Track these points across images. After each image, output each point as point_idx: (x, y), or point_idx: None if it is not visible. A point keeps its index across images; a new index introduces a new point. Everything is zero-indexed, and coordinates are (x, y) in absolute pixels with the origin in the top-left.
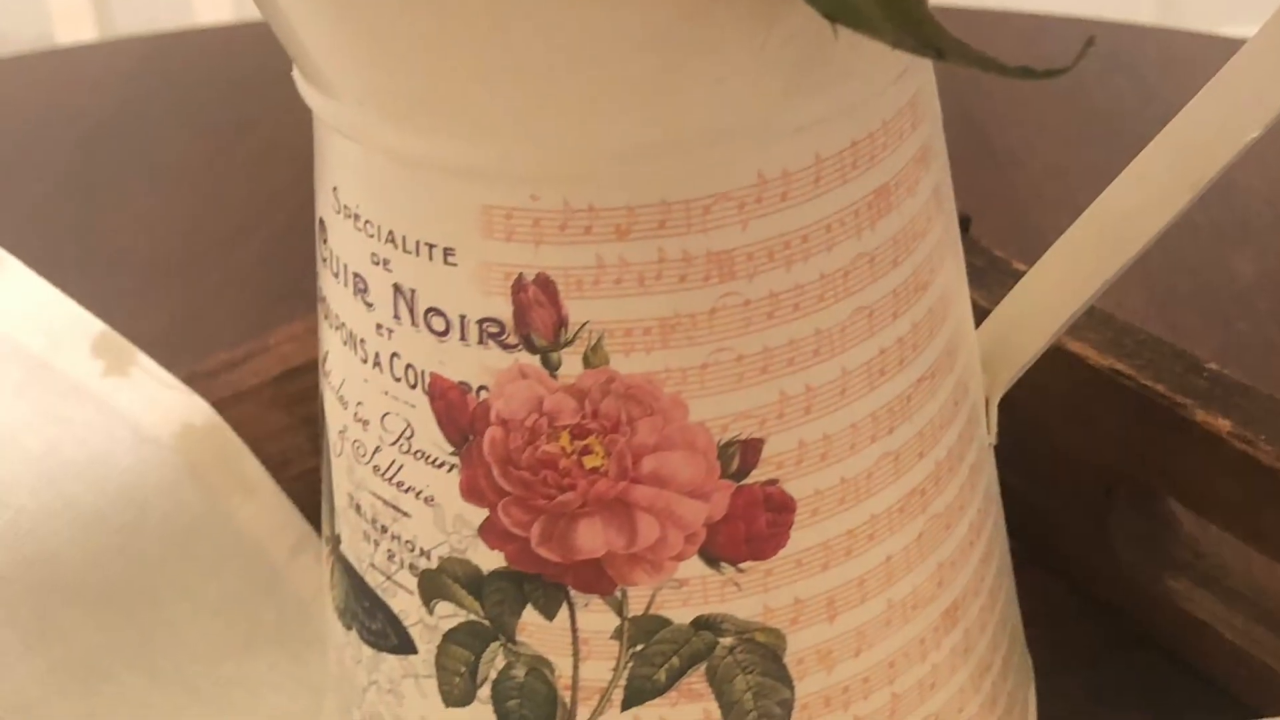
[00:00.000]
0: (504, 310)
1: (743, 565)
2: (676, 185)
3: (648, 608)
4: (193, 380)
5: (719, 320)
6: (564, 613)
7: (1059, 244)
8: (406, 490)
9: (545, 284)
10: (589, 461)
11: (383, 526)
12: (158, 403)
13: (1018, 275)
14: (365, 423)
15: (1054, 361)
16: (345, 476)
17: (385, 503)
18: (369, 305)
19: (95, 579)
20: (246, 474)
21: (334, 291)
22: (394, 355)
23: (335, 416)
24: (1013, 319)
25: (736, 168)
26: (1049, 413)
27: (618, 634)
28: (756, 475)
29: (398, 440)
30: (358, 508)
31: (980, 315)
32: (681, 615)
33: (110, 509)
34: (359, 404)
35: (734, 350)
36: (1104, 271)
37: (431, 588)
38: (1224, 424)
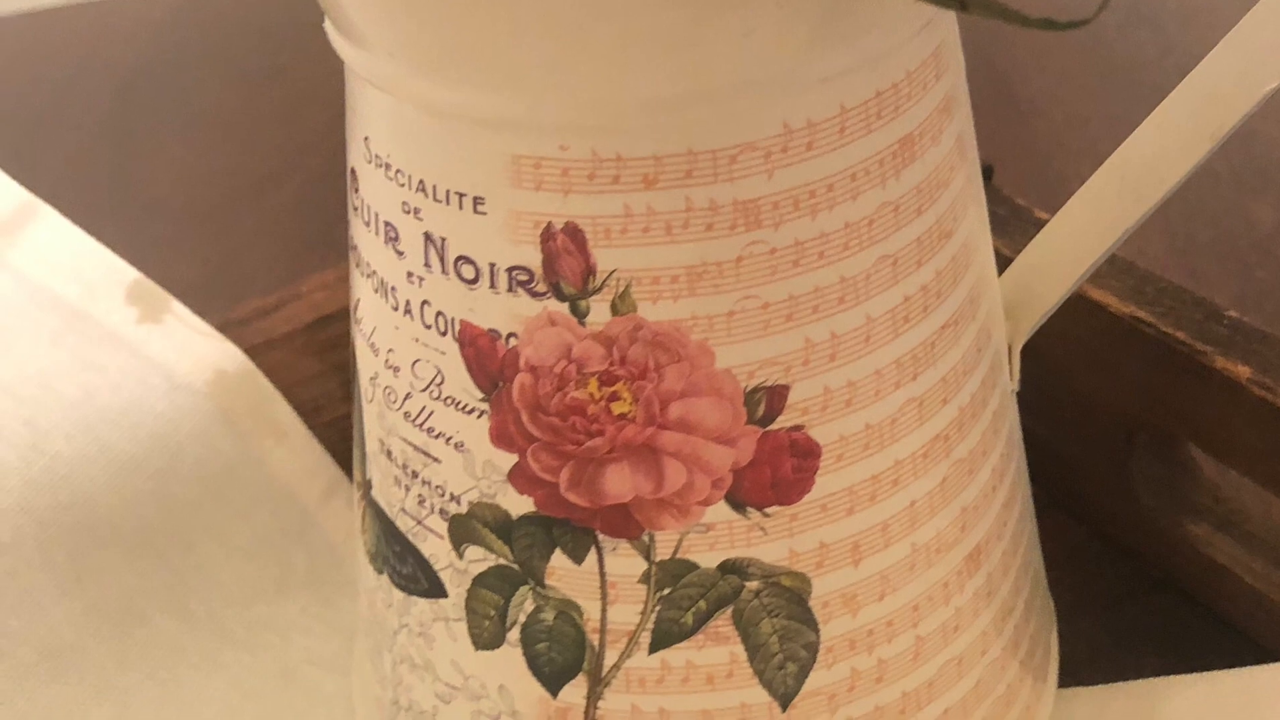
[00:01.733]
0: (533, 258)
1: (768, 510)
2: (703, 135)
3: (675, 552)
4: (225, 327)
5: (745, 268)
6: (592, 557)
7: (1080, 193)
8: (437, 436)
9: (574, 233)
10: (617, 408)
11: (413, 472)
12: (191, 349)
13: (1040, 224)
14: (396, 369)
15: (1076, 309)
16: (376, 422)
17: (416, 448)
18: (400, 253)
19: (129, 523)
20: (278, 420)
21: (365, 240)
22: (424, 303)
23: (366, 363)
24: (1035, 267)
25: (762, 118)
26: (1071, 359)
27: (645, 578)
28: (782, 421)
29: (428, 387)
30: (389, 453)
31: (1003, 264)
32: (708, 559)
33: (144, 454)
34: (390, 351)
35: (760, 298)
36: (1125, 220)
37: (461, 532)
38: (1243, 370)
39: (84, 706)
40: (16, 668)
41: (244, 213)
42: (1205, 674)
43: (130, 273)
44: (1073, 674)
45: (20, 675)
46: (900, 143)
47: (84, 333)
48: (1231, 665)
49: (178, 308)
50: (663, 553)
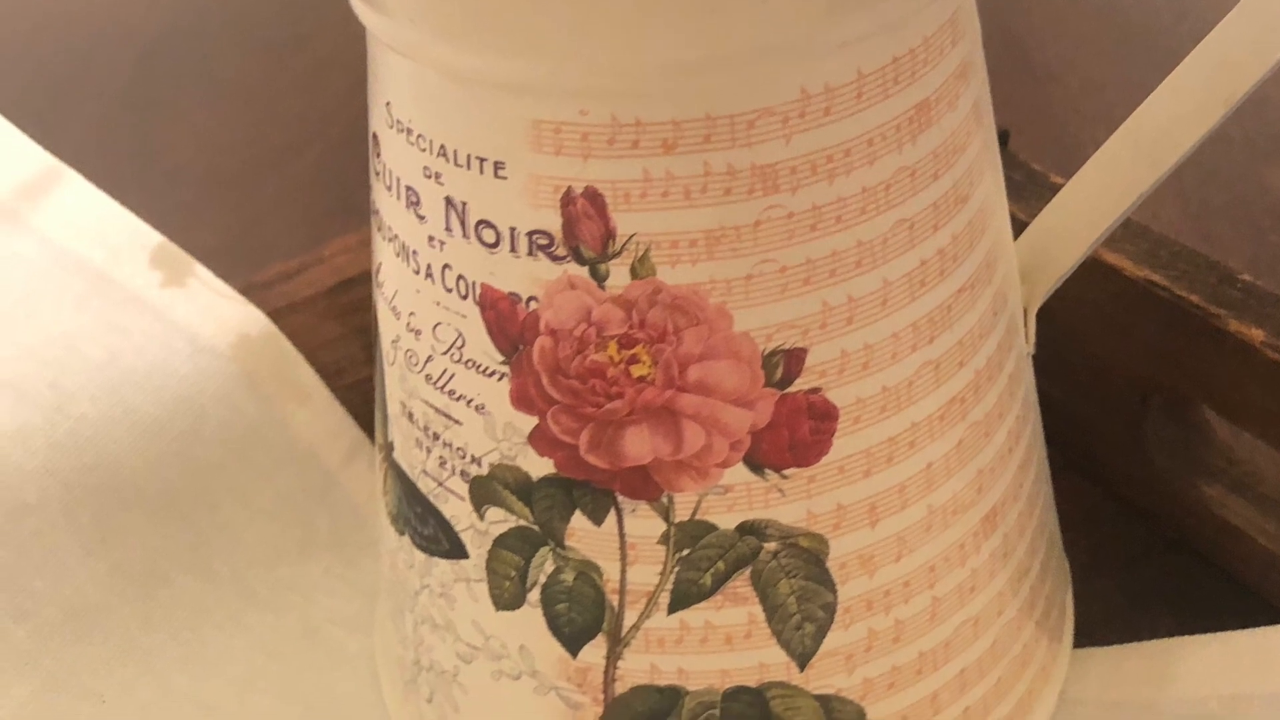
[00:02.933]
0: (553, 222)
1: (786, 472)
2: (721, 100)
3: (694, 513)
4: (249, 291)
5: (763, 232)
6: (611, 518)
7: (1096, 157)
8: (458, 398)
9: (593, 197)
10: (636, 370)
11: (435, 434)
12: (214, 313)
13: (1055, 188)
14: (417, 332)
15: (1091, 273)
16: (398, 385)
17: (437, 410)
18: (421, 218)
19: (154, 485)
20: (301, 382)
21: (387, 204)
22: (445, 266)
23: (388, 326)
24: (1050, 231)
25: (780, 83)
26: (1086, 323)
27: (664, 539)
28: (800, 384)
29: (449, 350)
30: (410, 416)
31: (1019, 228)
32: (726, 521)
33: (169, 417)
34: (411, 314)
35: (778, 261)
36: (1140, 184)
37: (482, 494)
38: (1257, 334)
39: (109, 666)
40: (42, 628)
41: (266, 179)
42: (1219, 634)
43: (154, 237)
44: (1088, 634)
45: (46, 635)
46: (916, 108)
47: (108, 296)
48: (1245, 626)
49: (201, 272)
50: (681, 514)
